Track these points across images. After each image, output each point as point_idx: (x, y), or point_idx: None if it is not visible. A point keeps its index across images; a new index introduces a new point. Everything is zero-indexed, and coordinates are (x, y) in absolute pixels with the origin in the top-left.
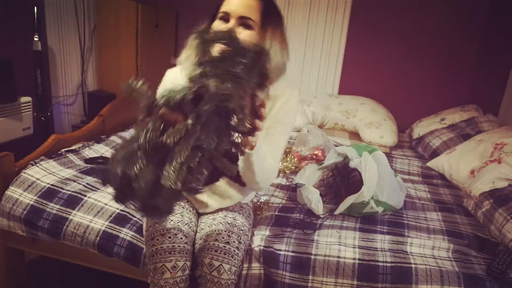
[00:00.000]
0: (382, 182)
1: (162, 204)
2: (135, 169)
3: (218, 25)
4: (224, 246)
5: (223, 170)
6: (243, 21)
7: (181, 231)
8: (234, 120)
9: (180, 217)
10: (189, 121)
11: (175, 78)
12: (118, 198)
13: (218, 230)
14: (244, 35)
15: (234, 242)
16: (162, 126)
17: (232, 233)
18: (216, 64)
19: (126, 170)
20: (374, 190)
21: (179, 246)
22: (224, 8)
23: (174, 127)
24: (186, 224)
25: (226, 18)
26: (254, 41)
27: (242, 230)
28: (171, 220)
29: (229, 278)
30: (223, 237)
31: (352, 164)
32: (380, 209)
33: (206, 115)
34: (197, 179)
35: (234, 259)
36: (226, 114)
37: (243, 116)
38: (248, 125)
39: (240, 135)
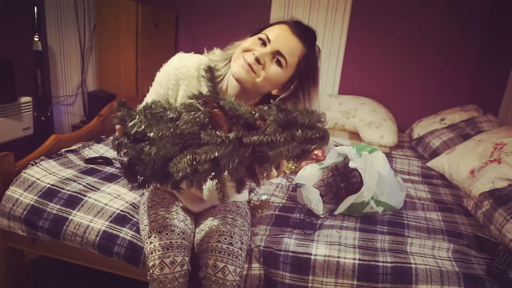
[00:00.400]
0: (382, 182)
1: (153, 176)
2: (156, 133)
3: (253, 42)
4: (228, 247)
5: (221, 191)
6: (278, 57)
7: (177, 227)
8: (263, 166)
9: (175, 214)
10: (231, 136)
11: (196, 66)
12: (125, 147)
13: (220, 231)
14: (271, 69)
15: (237, 243)
16: (206, 120)
17: (234, 234)
18: (284, 113)
19: (147, 129)
20: (374, 190)
21: (176, 242)
22: (269, 33)
23: (216, 128)
24: (182, 221)
25: (265, 42)
26: (280, 80)
27: (243, 230)
28: (167, 218)
29: (234, 279)
30: (225, 238)
31: (352, 164)
32: (380, 209)
33: (246, 143)
34: (191, 181)
35: (238, 260)
36: (261, 156)
37: (268, 167)
38: (265, 177)
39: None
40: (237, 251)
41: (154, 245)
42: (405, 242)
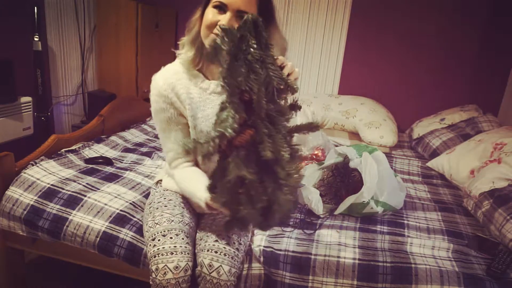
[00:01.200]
0: (382, 183)
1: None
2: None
3: (213, 15)
4: (224, 247)
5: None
6: (240, 14)
7: (182, 231)
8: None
9: (180, 217)
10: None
11: (177, 71)
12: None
13: (219, 231)
14: None
15: (234, 243)
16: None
17: (232, 234)
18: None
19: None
20: (375, 190)
21: (180, 246)
22: None
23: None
24: (187, 224)
25: (222, 8)
26: None
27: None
28: (172, 221)
29: (228, 279)
30: (223, 238)
31: (352, 164)
32: (380, 210)
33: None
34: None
35: (234, 261)
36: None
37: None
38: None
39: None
40: (234, 252)
41: (158, 249)
42: (405, 242)
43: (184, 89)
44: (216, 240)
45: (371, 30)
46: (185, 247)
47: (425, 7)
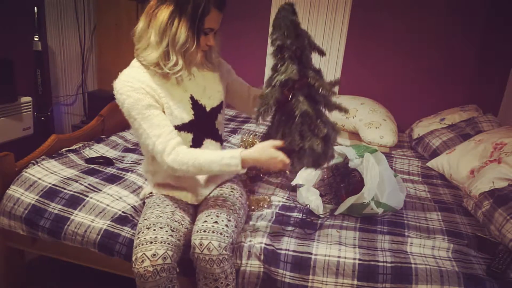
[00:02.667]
0: (382, 183)
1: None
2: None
3: (205, 40)
4: (213, 226)
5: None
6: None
7: (168, 225)
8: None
9: (170, 214)
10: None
11: (139, 73)
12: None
13: (208, 213)
14: (216, 41)
15: (223, 221)
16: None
17: (221, 213)
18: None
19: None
20: (375, 191)
21: (162, 237)
22: (210, 25)
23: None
24: (176, 221)
25: (208, 33)
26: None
27: (231, 209)
28: (160, 217)
29: (219, 253)
30: (211, 218)
31: (351, 164)
32: (380, 210)
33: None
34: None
35: (223, 236)
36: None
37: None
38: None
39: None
40: (222, 228)
41: (140, 240)
42: (405, 242)
43: (151, 81)
44: (205, 221)
45: (371, 30)
46: (167, 238)
47: (425, 7)
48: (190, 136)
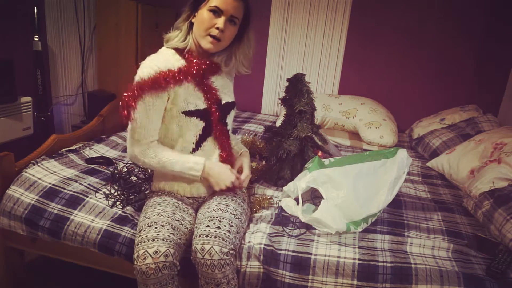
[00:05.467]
0: (347, 201)
1: None
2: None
3: (210, 18)
4: (215, 231)
5: None
6: (232, 19)
7: (169, 224)
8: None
9: (171, 213)
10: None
11: (167, 60)
12: None
13: (211, 217)
14: (231, 30)
15: (225, 226)
16: None
17: (223, 218)
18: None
19: None
20: (345, 222)
21: (163, 235)
22: (217, 3)
23: None
24: (176, 220)
25: (218, 12)
26: (234, 34)
27: (234, 214)
28: (161, 215)
29: (221, 258)
30: (214, 223)
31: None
32: (361, 228)
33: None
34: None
35: (225, 241)
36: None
37: None
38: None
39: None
40: (224, 233)
41: (142, 237)
42: (405, 242)
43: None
44: (208, 226)
45: (371, 30)
46: (168, 235)
47: (425, 7)
48: (201, 124)
